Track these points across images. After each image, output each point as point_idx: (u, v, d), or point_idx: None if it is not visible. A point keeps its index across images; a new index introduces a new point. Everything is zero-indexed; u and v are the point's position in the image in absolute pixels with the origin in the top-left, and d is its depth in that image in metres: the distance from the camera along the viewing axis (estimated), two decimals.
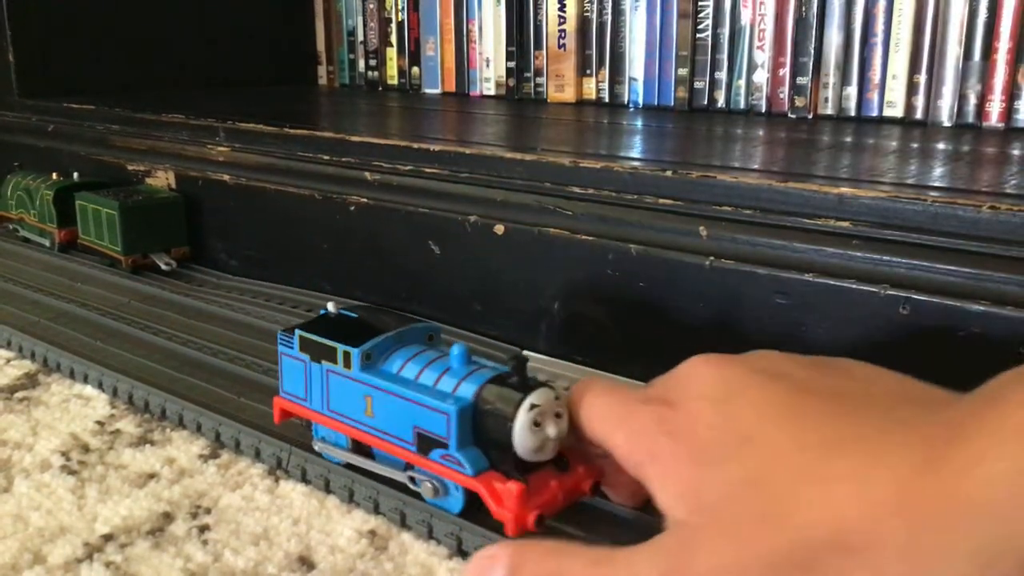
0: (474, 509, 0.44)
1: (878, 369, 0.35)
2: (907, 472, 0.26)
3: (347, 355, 0.46)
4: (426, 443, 0.43)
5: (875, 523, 0.26)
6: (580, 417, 0.39)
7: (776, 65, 0.93)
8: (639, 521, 0.44)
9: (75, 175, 0.92)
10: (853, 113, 0.90)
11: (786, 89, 0.92)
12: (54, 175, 0.93)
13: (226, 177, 0.84)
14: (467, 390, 0.42)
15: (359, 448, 0.48)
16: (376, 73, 1.27)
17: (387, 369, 0.46)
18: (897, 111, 0.87)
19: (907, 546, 0.25)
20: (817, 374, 0.34)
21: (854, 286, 0.50)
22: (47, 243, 0.93)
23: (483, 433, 0.42)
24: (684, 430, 0.33)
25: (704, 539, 0.30)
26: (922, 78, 0.86)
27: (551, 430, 0.41)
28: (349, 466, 0.48)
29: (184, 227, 0.86)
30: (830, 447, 0.29)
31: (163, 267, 0.83)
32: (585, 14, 1.05)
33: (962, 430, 0.26)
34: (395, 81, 1.25)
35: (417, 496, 0.45)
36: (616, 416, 0.37)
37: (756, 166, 0.63)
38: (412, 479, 0.45)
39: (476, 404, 0.42)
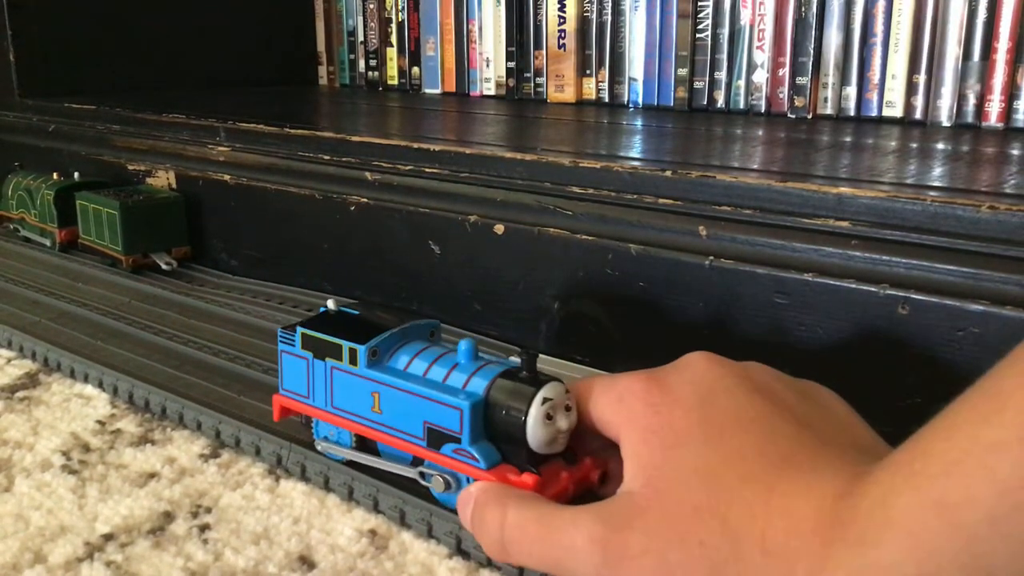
0: None
1: (850, 412, 0.38)
2: (830, 498, 0.30)
3: (353, 352, 0.46)
4: (437, 438, 0.43)
5: (795, 536, 0.30)
6: (588, 402, 0.40)
7: (776, 65, 0.93)
8: None
9: (76, 175, 0.93)
10: (852, 113, 0.90)
11: (785, 89, 0.92)
12: (55, 175, 0.93)
13: (227, 177, 0.84)
14: (478, 385, 0.43)
15: (363, 445, 0.48)
16: (376, 73, 1.27)
17: (393, 365, 0.46)
18: (896, 111, 0.88)
19: (818, 558, 0.29)
20: (795, 399, 0.37)
21: (853, 286, 0.50)
22: (48, 243, 0.93)
23: (496, 427, 0.42)
24: (665, 408, 0.36)
25: (645, 519, 0.33)
26: (921, 78, 0.86)
27: (562, 423, 0.41)
28: (352, 464, 0.48)
29: (185, 227, 0.86)
30: (782, 462, 0.32)
31: (164, 267, 0.84)
32: (585, 14, 1.05)
33: (877, 477, 0.29)
34: (395, 81, 1.25)
35: (420, 494, 0.45)
36: (614, 385, 0.39)
37: (755, 166, 0.63)
38: (422, 474, 0.45)
39: (488, 399, 0.42)
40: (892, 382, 0.50)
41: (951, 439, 0.27)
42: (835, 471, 0.31)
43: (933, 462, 0.27)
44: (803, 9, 0.90)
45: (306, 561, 0.43)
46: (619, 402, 0.38)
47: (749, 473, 0.32)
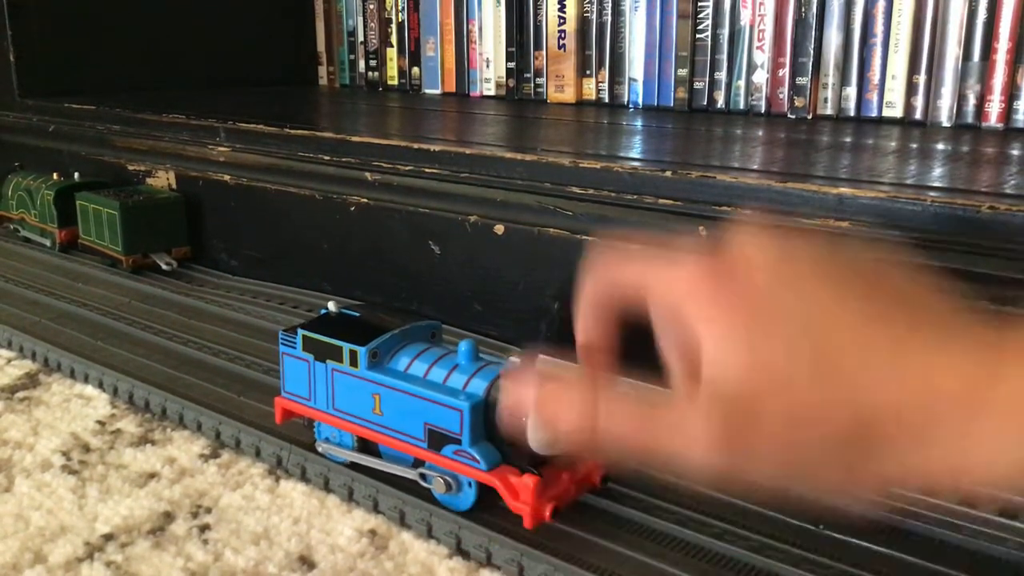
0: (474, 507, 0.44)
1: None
2: (970, 370, 0.28)
3: (354, 353, 0.46)
4: (438, 439, 0.43)
5: (938, 409, 0.28)
6: (608, 274, 0.35)
7: (775, 66, 0.93)
8: (642, 521, 0.44)
9: (76, 175, 0.93)
10: (852, 113, 0.90)
11: (785, 89, 0.92)
12: (55, 175, 0.93)
13: (227, 177, 0.84)
14: (478, 386, 0.43)
15: (365, 447, 0.48)
16: (376, 73, 1.27)
17: (394, 367, 0.46)
18: (896, 111, 0.88)
19: (963, 433, 0.28)
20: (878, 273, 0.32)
21: None
22: (48, 243, 0.93)
23: (496, 428, 0.42)
24: (740, 276, 0.31)
25: (762, 396, 0.29)
26: (921, 78, 0.86)
27: None
28: (353, 465, 0.48)
29: (185, 227, 0.86)
30: (898, 337, 0.29)
31: (164, 267, 0.84)
32: (585, 14, 1.05)
33: (1014, 346, 0.29)
34: (395, 81, 1.25)
35: (419, 495, 0.45)
36: (656, 263, 0.34)
37: (755, 166, 0.63)
38: (423, 476, 0.45)
39: (488, 400, 0.42)
40: None
41: None
42: (960, 347, 0.29)
43: None
44: (803, 9, 0.90)
45: (306, 561, 0.43)
46: (670, 274, 0.33)
47: (865, 344, 0.29)
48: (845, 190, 0.52)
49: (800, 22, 0.91)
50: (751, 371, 0.29)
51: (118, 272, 0.83)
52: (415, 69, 1.22)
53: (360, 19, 1.28)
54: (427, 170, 0.69)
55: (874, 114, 0.89)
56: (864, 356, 0.29)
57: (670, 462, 0.31)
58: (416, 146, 0.70)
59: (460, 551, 0.44)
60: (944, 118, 0.85)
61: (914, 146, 0.74)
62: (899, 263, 0.33)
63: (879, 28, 0.87)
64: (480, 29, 1.14)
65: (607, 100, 1.05)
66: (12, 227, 0.99)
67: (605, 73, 1.04)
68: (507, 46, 1.12)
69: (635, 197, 0.59)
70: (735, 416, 0.29)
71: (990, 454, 0.28)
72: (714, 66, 0.96)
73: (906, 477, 0.30)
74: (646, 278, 0.34)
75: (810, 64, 0.90)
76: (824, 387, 0.29)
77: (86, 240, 0.88)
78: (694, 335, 0.31)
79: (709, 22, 0.96)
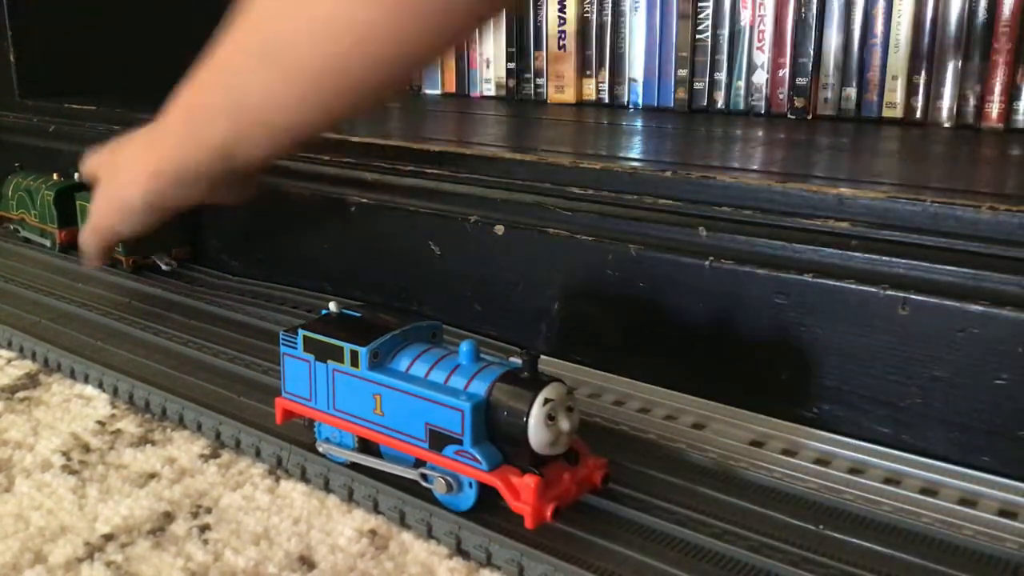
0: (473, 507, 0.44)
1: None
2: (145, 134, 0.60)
3: (355, 354, 0.46)
4: (439, 439, 0.43)
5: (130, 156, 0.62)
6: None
7: (775, 66, 0.93)
8: (643, 521, 0.44)
9: (76, 175, 0.92)
10: (852, 114, 0.90)
11: (785, 90, 0.92)
12: (55, 175, 0.93)
13: None
14: (479, 386, 0.43)
15: (366, 447, 0.48)
16: None
17: (395, 367, 0.46)
18: (896, 112, 0.88)
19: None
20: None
21: (853, 286, 0.50)
22: (48, 244, 0.93)
23: (497, 428, 0.42)
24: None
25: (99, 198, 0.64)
26: (921, 79, 0.86)
27: (564, 424, 0.42)
28: (354, 465, 0.48)
29: (185, 227, 0.86)
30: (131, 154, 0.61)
31: (164, 267, 0.84)
32: (585, 15, 1.05)
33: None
34: None
35: (420, 495, 0.45)
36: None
37: (755, 167, 0.63)
38: (424, 476, 0.45)
39: (490, 400, 0.42)
40: (892, 382, 0.50)
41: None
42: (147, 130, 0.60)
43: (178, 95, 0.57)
44: (803, 10, 0.90)
45: (306, 561, 0.43)
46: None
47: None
48: (845, 190, 0.52)
49: (800, 22, 0.91)
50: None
51: (118, 272, 0.83)
52: None
53: None
54: (427, 170, 0.69)
55: (874, 114, 0.89)
56: (106, 166, 0.63)
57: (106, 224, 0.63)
58: (416, 146, 0.70)
59: (460, 551, 0.44)
60: (944, 118, 0.85)
61: (914, 146, 0.74)
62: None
63: (879, 28, 0.87)
64: (480, 29, 1.14)
65: (607, 100, 1.05)
66: (12, 227, 0.99)
67: (605, 73, 1.04)
68: (507, 47, 1.12)
69: (635, 197, 0.59)
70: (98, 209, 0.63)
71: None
72: (714, 66, 0.96)
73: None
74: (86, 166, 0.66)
75: (810, 64, 0.90)
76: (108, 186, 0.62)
77: None
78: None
79: (709, 22, 0.96)
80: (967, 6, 0.82)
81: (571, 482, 0.43)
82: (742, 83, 0.95)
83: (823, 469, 0.49)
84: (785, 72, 0.92)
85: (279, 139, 0.51)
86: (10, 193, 0.97)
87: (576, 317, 0.62)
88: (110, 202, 0.61)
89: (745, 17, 0.94)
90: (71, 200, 0.89)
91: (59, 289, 0.80)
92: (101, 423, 0.58)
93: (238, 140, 0.52)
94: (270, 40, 0.47)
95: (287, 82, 0.47)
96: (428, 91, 1.22)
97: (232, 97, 0.51)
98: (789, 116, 0.93)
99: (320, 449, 0.49)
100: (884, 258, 0.50)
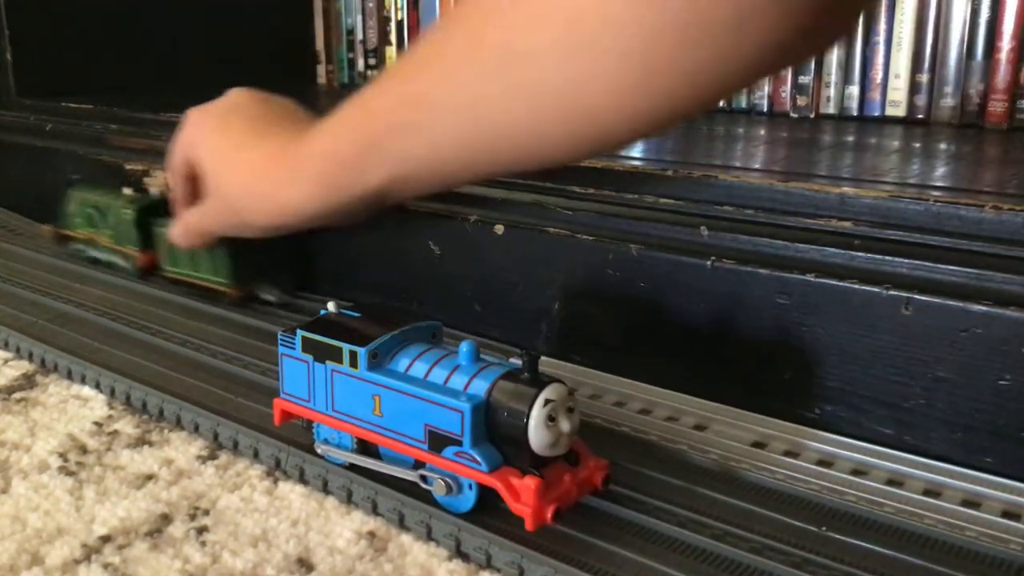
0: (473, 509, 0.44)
1: (296, 108, 0.58)
2: (275, 146, 0.52)
3: (353, 354, 0.45)
4: (439, 441, 0.43)
5: (251, 171, 0.54)
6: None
7: None
8: (643, 523, 0.44)
9: (150, 188, 0.82)
10: (855, 112, 0.89)
11: (788, 88, 0.92)
12: (126, 190, 0.82)
13: None
14: (479, 387, 0.42)
15: (364, 448, 0.47)
16: (376, 72, 1.27)
17: (394, 368, 0.45)
18: (899, 110, 0.87)
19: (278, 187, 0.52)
20: (257, 109, 0.58)
21: (856, 286, 0.50)
22: (128, 266, 0.82)
23: (497, 429, 0.42)
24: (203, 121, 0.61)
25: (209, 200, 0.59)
26: (924, 77, 0.85)
27: (564, 425, 0.41)
28: (353, 467, 0.48)
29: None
30: (241, 142, 0.55)
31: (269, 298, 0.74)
32: None
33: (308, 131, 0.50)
34: None
35: (419, 496, 0.45)
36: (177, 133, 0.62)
37: (758, 166, 0.63)
38: (423, 477, 0.44)
39: (489, 401, 0.42)
40: (895, 383, 0.50)
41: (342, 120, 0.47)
42: (279, 137, 0.52)
43: (328, 126, 0.48)
44: None
45: (304, 563, 0.43)
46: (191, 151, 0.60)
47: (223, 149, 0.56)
48: (847, 190, 0.51)
49: None
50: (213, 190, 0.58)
51: (115, 272, 0.83)
52: None
53: (359, 17, 1.27)
54: None
55: (877, 113, 0.88)
56: (222, 170, 0.56)
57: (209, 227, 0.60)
58: None
59: (460, 553, 0.43)
60: (947, 117, 0.85)
61: (917, 145, 0.74)
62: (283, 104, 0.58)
63: (882, 27, 0.87)
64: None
65: None
66: (78, 248, 0.87)
67: None
68: None
69: (636, 197, 0.59)
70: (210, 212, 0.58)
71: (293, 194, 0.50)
72: None
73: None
74: (176, 143, 0.61)
75: (812, 63, 0.90)
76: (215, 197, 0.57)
77: (172, 272, 0.77)
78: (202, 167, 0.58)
79: None
80: (970, 5, 0.82)
81: (572, 484, 0.43)
82: None
83: (825, 470, 0.48)
84: (787, 70, 0.92)
85: (443, 185, 0.46)
86: (75, 209, 0.86)
87: (577, 317, 0.62)
88: (226, 218, 0.56)
89: None
90: (151, 220, 0.79)
91: (57, 289, 0.79)
92: (98, 424, 0.57)
93: (404, 186, 0.45)
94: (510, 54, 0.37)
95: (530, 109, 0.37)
96: None
97: (460, 116, 0.40)
98: (792, 115, 0.93)
99: (319, 450, 0.49)
100: (887, 258, 0.50)
